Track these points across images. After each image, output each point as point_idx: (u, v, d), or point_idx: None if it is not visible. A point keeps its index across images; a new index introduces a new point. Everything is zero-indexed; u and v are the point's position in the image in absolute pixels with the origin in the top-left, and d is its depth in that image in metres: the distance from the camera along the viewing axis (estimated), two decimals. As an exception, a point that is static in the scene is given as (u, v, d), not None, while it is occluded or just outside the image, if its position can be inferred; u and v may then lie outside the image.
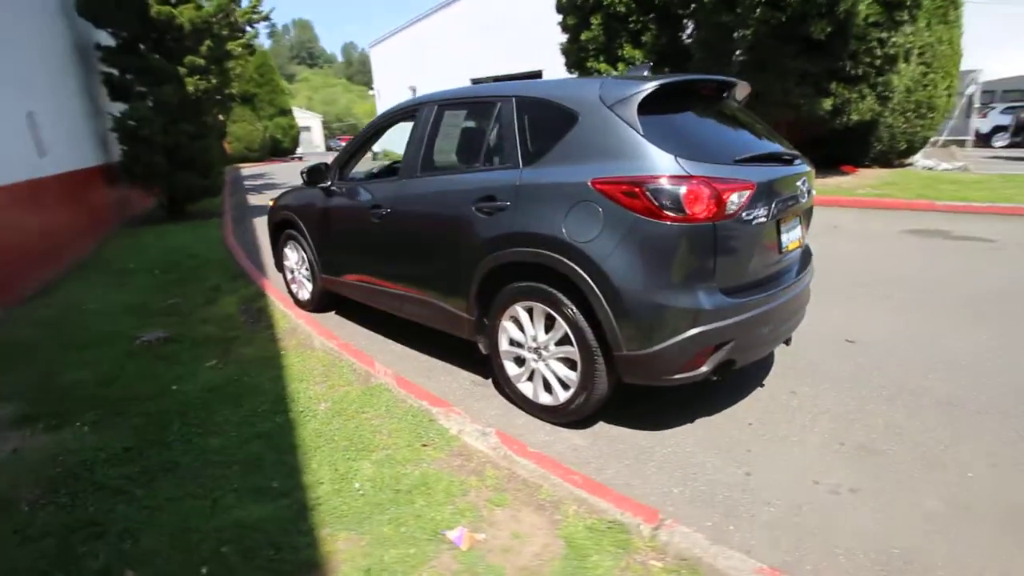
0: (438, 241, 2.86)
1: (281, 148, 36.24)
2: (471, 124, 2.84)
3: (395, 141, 3.57)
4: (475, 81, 24.17)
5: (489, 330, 2.72)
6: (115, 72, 7.94)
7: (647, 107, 2.20)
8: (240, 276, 5.40)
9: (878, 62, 7.91)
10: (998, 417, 2.47)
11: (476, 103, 2.83)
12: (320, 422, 2.53)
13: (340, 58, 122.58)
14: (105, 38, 7.92)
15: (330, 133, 61.34)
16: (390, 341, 3.75)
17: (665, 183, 2.03)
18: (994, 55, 15.31)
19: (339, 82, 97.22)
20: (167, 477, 2.11)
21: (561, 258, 2.24)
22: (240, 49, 9.06)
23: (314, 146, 52.17)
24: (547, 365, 2.52)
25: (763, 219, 2.19)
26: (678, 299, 2.11)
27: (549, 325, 2.46)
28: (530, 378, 2.64)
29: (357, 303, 3.86)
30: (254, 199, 13.67)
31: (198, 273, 5.66)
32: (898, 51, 7.92)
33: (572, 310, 2.29)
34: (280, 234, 4.51)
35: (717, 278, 2.14)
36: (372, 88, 31.08)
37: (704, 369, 2.20)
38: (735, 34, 8.24)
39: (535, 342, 2.53)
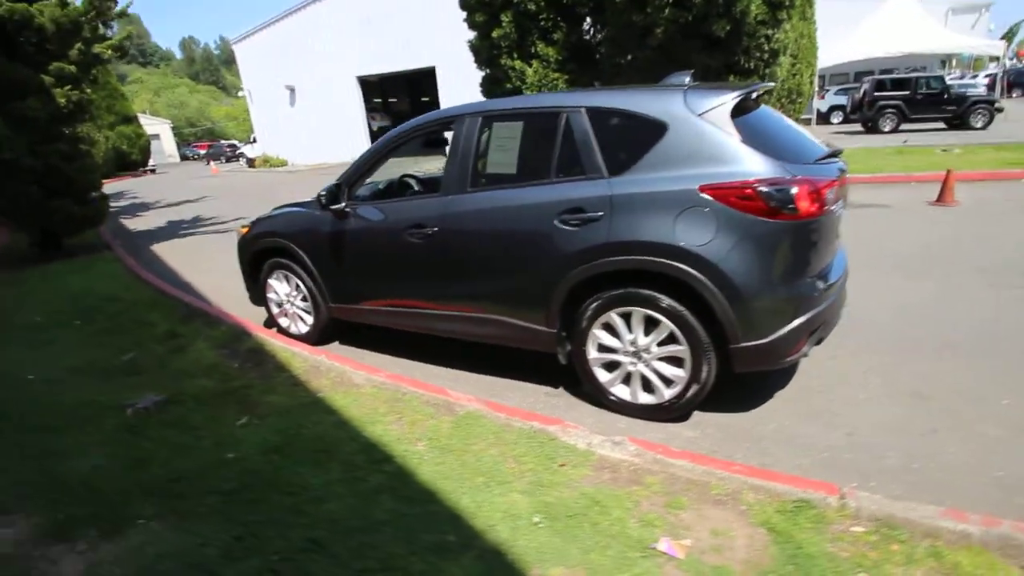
0: (509, 257, 2.79)
1: (129, 161, 31.66)
2: (531, 136, 2.79)
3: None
4: (362, 79, 23.10)
5: (576, 340, 2.73)
6: (-48, 84, 6.40)
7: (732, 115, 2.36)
8: (194, 316, 4.72)
9: (766, 56, 8.99)
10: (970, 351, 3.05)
11: (534, 114, 2.78)
12: (434, 463, 2.37)
13: (179, 55, 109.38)
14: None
15: (183, 140, 54.64)
16: (426, 365, 3.58)
17: (778, 185, 2.20)
18: (822, 46, 18.06)
19: (182, 82, 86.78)
20: (318, 559, 1.85)
21: (674, 263, 2.32)
22: (109, 52, 7.72)
23: (166, 156, 46.19)
24: (648, 366, 2.60)
25: (838, 211, 2.46)
26: (791, 290, 2.31)
27: (649, 328, 2.54)
28: (625, 381, 2.71)
29: (366, 331, 3.61)
30: (130, 223, 11.92)
31: (131, 319, 4.84)
32: (779, 46, 9.08)
33: (681, 310, 2.39)
34: (260, 265, 4.04)
35: (813, 267, 2.37)
36: (242, 89, 28.24)
37: (805, 349, 2.43)
38: (645, 32, 8.81)
39: (634, 345, 2.59)
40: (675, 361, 2.54)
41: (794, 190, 2.19)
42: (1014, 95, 24.73)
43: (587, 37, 10.73)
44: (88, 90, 7.37)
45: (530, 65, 10.66)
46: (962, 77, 22.06)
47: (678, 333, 2.45)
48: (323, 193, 3.30)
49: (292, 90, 24.35)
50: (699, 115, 2.36)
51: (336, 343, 4.09)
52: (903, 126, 15.31)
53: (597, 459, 2.29)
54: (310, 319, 3.94)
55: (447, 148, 3.11)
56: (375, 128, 24.80)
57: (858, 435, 2.45)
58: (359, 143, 23.70)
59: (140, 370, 3.75)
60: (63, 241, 7.85)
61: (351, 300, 3.58)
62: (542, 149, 2.72)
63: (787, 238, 2.27)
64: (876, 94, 15.65)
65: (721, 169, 2.28)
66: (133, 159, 32.00)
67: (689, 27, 8.48)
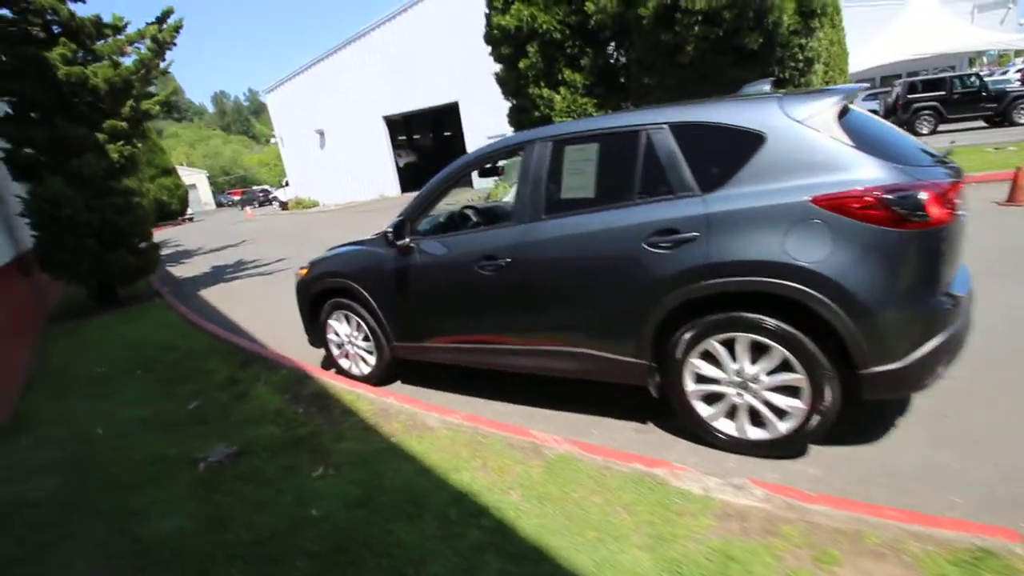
0: (592, 285, 2.63)
1: (169, 211, 33.02)
2: (609, 157, 2.66)
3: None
4: (388, 119, 23.76)
5: (670, 371, 2.53)
6: (15, 146, 6.70)
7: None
8: (252, 361, 4.67)
9: (800, 65, 8.83)
10: None
11: (609, 135, 2.66)
12: (534, 516, 2.17)
13: (211, 108, 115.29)
14: (1, 107, 6.68)
15: (217, 188, 57.02)
16: (495, 402, 3.42)
17: (904, 191, 2.00)
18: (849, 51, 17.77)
19: (215, 134, 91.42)
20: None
21: (788, 282, 2.12)
22: (157, 108, 8.04)
23: (203, 204, 48.21)
24: (757, 397, 2.37)
25: (964, 216, 2.23)
26: (925, 307, 2.08)
27: (757, 355, 2.33)
28: (730, 415, 2.49)
29: (428, 369, 3.47)
30: (176, 270, 12.26)
31: (191, 367, 4.82)
32: (814, 54, 8.90)
33: (794, 334, 2.18)
34: (320, 306, 3.97)
35: (945, 280, 2.13)
36: (272, 137, 29.38)
37: (940, 372, 2.18)
38: (674, 50, 8.76)
39: (740, 375, 2.38)
40: (789, 391, 2.31)
41: (922, 195, 1.99)
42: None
43: (612, 60, 10.76)
44: (139, 144, 7.64)
45: (558, 92, 10.72)
46: (991, 74, 21.39)
47: (792, 359, 2.22)
48: (390, 229, 3.22)
49: (321, 134, 25.19)
50: (800, 122, 2.20)
51: (398, 382, 3.97)
52: (941, 127, 14.81)
53: (719, 506, 2.06)
54: (372, 359, 3.83)
55: (497, 177, 3.01)
56: (401, 165, 25.38)
57: (1006, 465, 2.16)
58: (387, 180, 24.28)
59: (206, 419, 3.68)
60: (118, 292, 8.05)
61: (416, 338, 3.45)
62: (622, 170, 2.58)
63: (917, 248, 2.05)
64: (909, 96, 15.23)
65: (833, 178, 2.09)
66: (172, 209, 33.36)
67: (720, 42, 8.40)
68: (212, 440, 3.27)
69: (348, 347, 3.94)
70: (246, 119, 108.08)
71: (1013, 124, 13.89)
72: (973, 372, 2.86)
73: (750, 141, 2.27)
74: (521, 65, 10.82)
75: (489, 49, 11.79)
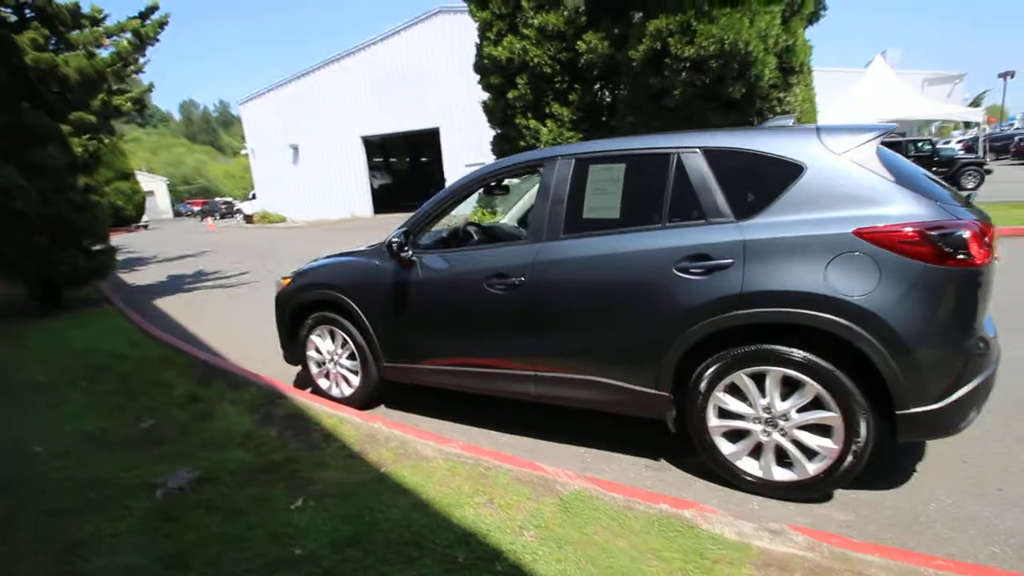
0: (613, 310, 2.49)
1: (123, 216, 31.43)
2: (637, 178, 2.57)
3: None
4: (366, 139, 23.58)
5: (691, 405, 2.39)
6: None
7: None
8: (215, 376, 4.27)
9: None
10: None
11: (638, 156, 2.57)
12: (555, 561, 1.94)
13: (178, 116, 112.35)
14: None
15: (177, 197, 54.93)
16: (492, 432, 3.19)
17: (948, 228, 1.97)
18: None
19: (179, 142, 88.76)
20: None
21: (828, 315, 2.04)
22: (128, 105, 7.62)
23: (159, 212, 46.22)
24: (787, 435, 2.25)
25: (998, 260, 2.23)
26: (963, 348, 2.02)
27: (787, 391, 2.22)
28: (754, 454, 2.36)
29: (412, 393, 3.23)
30: (129, 277, 11.50)
31: (145, 379, 4.37)
32: (791, 108, 9.35)
33: (830, 370, 2.08)
34: (301, 320, 3.68)
35: (980, 321, 2.10)
36: (239, 150, 28.68)
37: (973, 416, 2.12)
38: (661, 94, 9.03)
39: (768, 412, 2.26)
40: (821, 430, 2.20)
41: (965, 234, 1.96)
42: (988, 158, 26.01)
43: (599, 98, 11.02)
44: (105, 140, 7.20)
45: (544, 124, 10.85)
46: (936, 143, 23.19)
47: (827, 397, 2.12)
48: (395, 239, 3.01)
49: (296, 148, 24.71)
50: (840, 154, 2.16)
51: (382, 407, 3.69)
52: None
53: (757, 554, 1.89)
54: (356, 380, 3.55)
55: (505, 197, 2.89)
56: (375, 186, 25.11)
57: (1042, 517, 2.09)
58: (360, 200, 23.92)
59: (161, 439, 3.28)
60: (63, 294, 7.40)
61: (410, 358, 3.21)
62: (651, 192, 2.49)
63: (958, 287, 2.01)
64: (868, 156, 16.20)
65: (875, 211, 2.05)
66: (127, 214, 31.82)
67: (706, 89, 8.71)
68: (170, 463, 2.90)
69: (330, 366, 3.64)
70: (214, 130, 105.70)
71: (961, 188, 14.94)
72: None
73: (789, 170, 2.22)
74: (509, 95, 10.94)
75: (478, 78, 11.91)
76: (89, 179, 7.30)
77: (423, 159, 28.74)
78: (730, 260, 2.22)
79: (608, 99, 10.93)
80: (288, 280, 3.77)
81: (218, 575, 1.97)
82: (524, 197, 4.52)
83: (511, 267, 2.73)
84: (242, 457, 2.96)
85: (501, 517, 2.22)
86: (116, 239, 21.54)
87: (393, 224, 3.61)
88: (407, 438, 2.93)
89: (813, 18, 10.54)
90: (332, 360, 3.62)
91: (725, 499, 2.36)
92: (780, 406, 2.24)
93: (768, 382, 2.23)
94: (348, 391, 3.60)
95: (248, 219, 27.39)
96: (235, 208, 35.43)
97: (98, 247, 7.54)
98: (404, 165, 30.77)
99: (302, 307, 3.65)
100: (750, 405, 2.30)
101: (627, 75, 9.46)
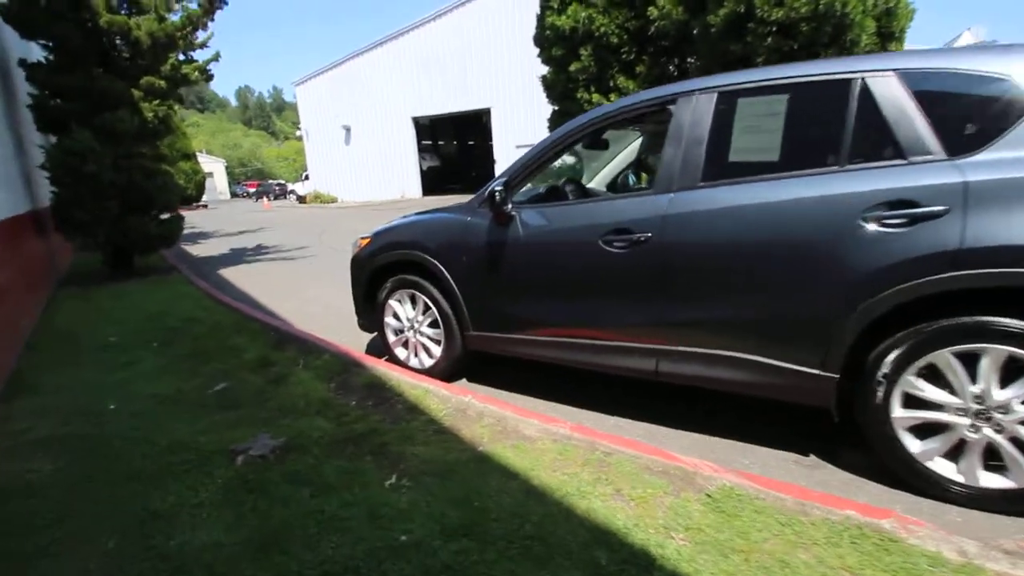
0: (773, 273, 2.05)
1: (185, 195, 32.71)
2: (804, 112, 2.11)
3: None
4: (416, 120, 23.48)
5: (872, 389, 1.94)
6: (46, 95, 6.23)
7: None
8: (287, 342, 4.08)
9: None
10: None
11: (807, 85, 2.10)
12: (719, 571, 1.56)
13: (234, 103, 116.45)
14: (35, 53, 6.22)
15: (234, 179, 56.95)
16: (594, 413, 2.81)
17: None
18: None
19: (236, 127, 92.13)
20: None
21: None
22: (197, 74, 7.58)
23: (217, 193, 48.00)
24: (1003, 432, 1.77)
25: None
26: None
27: (1006, 375, 1.74)
28: (951, 454, 1.89)
29: (495, 367, 2.88)
30: (193, 249, 11.75)
31: (217, 343, 4.22)
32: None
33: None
34: (379, 283, 3.40)
35: None
36: (291, 134, 29.26)
37: None
38: (742, 62, 8.30)
39: (981, 402, 1.78)
40: (1057, 429, 1.72)
41: None
42: None
43: (668, 70, 10.34)
44: (175, 107, 7.18)
45: (608, 99, 10.27)
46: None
47: (1076, 387, 1.64)
48: (498, 187, 2.64)
49: (348, 130, 24.91)
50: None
51: (463, 380, 3.38)
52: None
53: (993, 581, 1.45)
54: (438, 350, 3.25)
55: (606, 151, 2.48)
56: (424, 168, 25.06)
57: None
58: (409, 181, 23.93)
59: (237, 403, 3.08)
60: (135, 260, 7.50)
61: (505, 327, 2.87)
62: (824, 128, 2.03)
63: None
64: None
65: None
66: (189, 194, 33.12)
67: (793, 55, 7.94)
68: (249, 428, 2.68)
69: (409, 333, 3.36)
70: (268, 115, 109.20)
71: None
72: None
73: (1018, 96, 1.72)
74: (572, 68, 10.40)
75: (536, 52, 11.41)
76: (158, 148, 7.31)
77: (470, 143, 28.48)
78: (944, 207, 1.74)
79: (678, 71, 10.24)
80: (367, 240, 3.50)
81: (318, 561, 1.69)
82: (614, 160, 4.09)
83: (636, 221, 2.32)
84: (323, 426, 2.71)
85: (636, 513, 1.85)
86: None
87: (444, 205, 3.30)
88: (505, 414, 2.60)
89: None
90: (412, 327, 3.33)
91: (910, 508, 1.91)
92: (999, 395, 1.76)
93: (984, 364, 1.76)
94: (428, 362, 3.31)
95: (301, 199, 27.94)
96: (288, 189, 36.33)
97: (166, 215, 7.60)
98: (451, 148, 30.59)
99: (381, 269, 3.37)
100: (953, 393, 1.83)
101: (703, 43, 8.77)
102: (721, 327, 2.19)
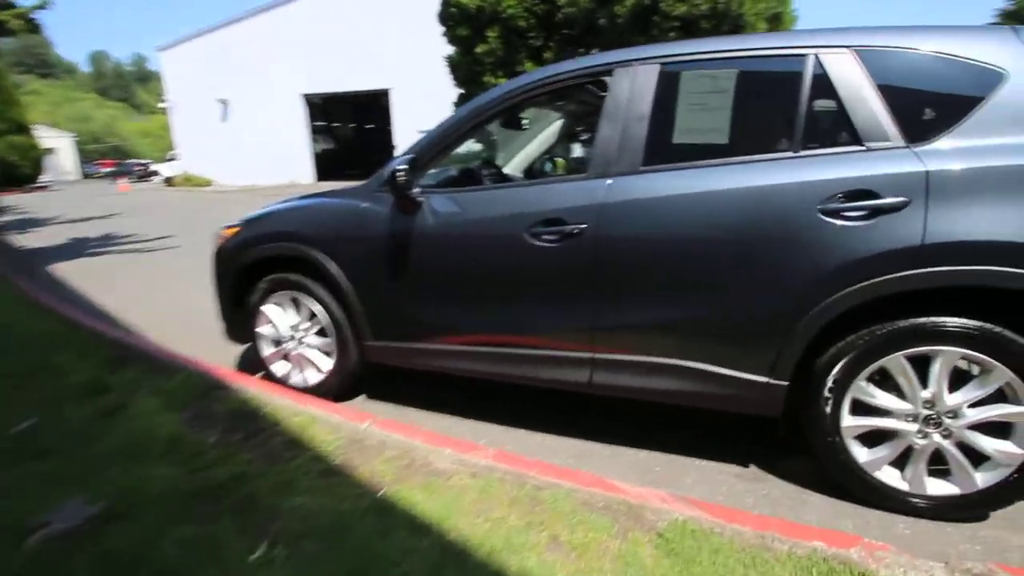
0: (721, 271, 1.81)
1: (18, 175, 27.44)
2: (753, 90, 1.88)
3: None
4: (307, 97, 21.59)
5: (820, 397, 1.77)
6: None
7: None
8: (129, 359, 3.24)
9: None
10: None
11: (757, 58, 1.86)
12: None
13: (85, 68, 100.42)
14: None
15: (86, 157, 49.02)
16: (514, 430, 2.46)
17: None
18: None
19: (88, 96, 79.46)
20: None
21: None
22: (20, 23, 6.04)
23: (64, 173, 41.12)
24: (950, 438, 1.69)
25: None
26: None
27: (957, 380, 1.65)
28: (898, 463, 1.78)
29: (394, 379, 2.46)
30: (20, 239, 9.69)
31: (30, 363, 3.26)
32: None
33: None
34: (251, 283, 2.76)
35: None
36: (157, 107, 25.68)
37: None
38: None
39: (931, 407, 1.68)
40: (997, 430, 1.65)
41: None
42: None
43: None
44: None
45: (515, 84, 9.98)
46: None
47: (1021, 386, 1.56)
48: (399, 168, 2.13)
49: (225, 104, 22.25)
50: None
51: (362, 397, 2.86)
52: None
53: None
54: (328, 363, 2.69)
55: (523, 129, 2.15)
56: (318, 151, 23.20)
57: None
58: (301, 165, 22.03)
59: (48, 448, 2.30)
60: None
61: (410, 336, 2.40)
62: (777, 109, 1.81)
63: None
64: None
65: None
66: (23, 173, 27.82)
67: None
68: (60, 486, 1.97)
69: (291, 345, 2.76)
70: (128, 85, 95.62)
71: None
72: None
73: (981, 79, 1.60)
74: (478, 50, 9.97)
75: (441, 30, 10.81)
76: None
77: (368, 126, 26.88)
78: (904, 199, 1.58)
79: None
80: (234, 230, 2.81)
81: None
82: (532, 144, 3.73)
83: (569, 210, 1.97)
84: (168, 475, 2.06)
85: (579, 568, 1.51)
86: (8, 199, 18.58)
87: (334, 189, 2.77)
88: (412, 444, 2.14)
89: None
90: (294, 337, 2.73)
91: (859, 525, 1.77)
92: (950, 400, 1.66)
93: (936, 367, 1.64)
94: (315, 378, 2.74)
95: (168, 181, 24.64)
96: (152, 170, 32.02)
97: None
98: (347, 131, 28.67)
99: (253, 266, 2.72)
100: (903, 398, 1.71)
101: (610, 33, 8.76)
102: (665, 331, 1.93)
